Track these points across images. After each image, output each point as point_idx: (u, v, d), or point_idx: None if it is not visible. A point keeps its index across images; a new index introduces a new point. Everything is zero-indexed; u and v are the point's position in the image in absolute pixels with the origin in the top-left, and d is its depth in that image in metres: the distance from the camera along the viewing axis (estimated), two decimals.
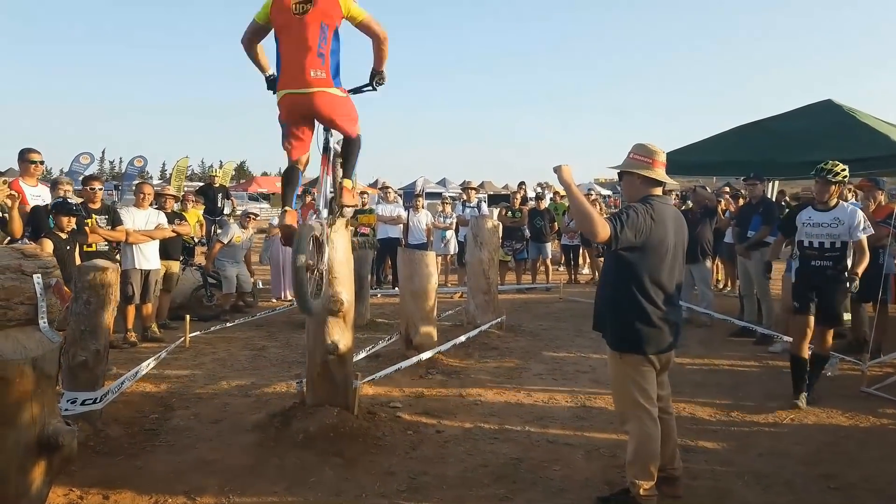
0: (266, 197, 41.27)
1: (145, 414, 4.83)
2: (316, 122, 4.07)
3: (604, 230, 3.15)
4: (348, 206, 4.47)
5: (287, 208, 4.00)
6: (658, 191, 3.50)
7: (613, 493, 3.55)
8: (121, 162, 78.27)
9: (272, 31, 3.94)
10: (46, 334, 2.45)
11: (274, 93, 4.01)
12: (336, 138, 4.35)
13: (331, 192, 4.35)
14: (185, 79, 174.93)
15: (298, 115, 3.96)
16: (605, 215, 3.89)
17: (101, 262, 4.43)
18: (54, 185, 6.73)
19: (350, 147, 4.27)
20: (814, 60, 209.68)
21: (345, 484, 3.71)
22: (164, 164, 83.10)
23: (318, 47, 3.76)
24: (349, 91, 4.12)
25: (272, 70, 4.09)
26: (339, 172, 4.38)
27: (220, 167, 31.90)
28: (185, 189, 18.41)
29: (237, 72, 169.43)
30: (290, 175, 4.14)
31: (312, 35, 3.76)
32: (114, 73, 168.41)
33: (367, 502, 3.52)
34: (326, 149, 4.29)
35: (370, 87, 4.21)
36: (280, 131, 4.06)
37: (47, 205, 6.07)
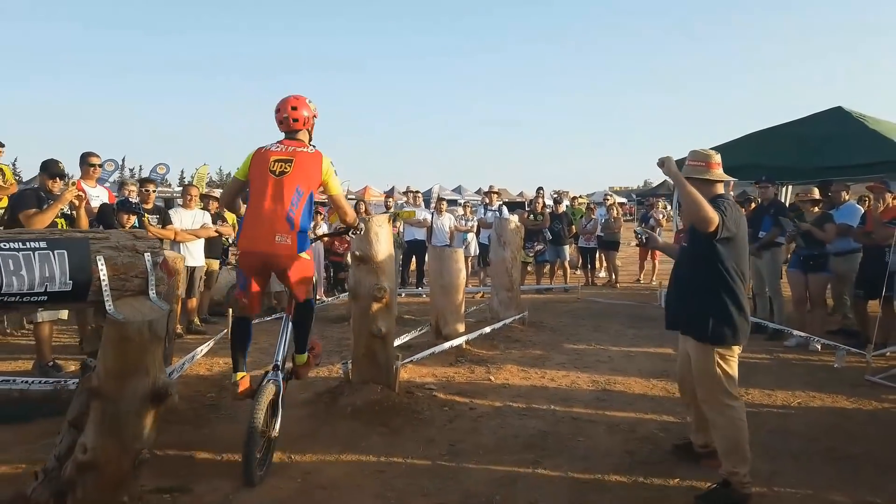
0: None
1: (203, 393, 5.30)
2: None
3: (714, 216, 3.34)
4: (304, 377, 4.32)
5: (239, 374, 3.92)
6: (721, 188, 3.73)
7: (712, 488, 3.55)
8: (140, 169, 79.43)
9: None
10: (156, 303, 2.91)
11: None
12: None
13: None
14: (199, 84, 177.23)
15: (257, 268, 3.85)
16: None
17: (170, 252, 4.91)
18: (121, 186, 7.24)
19: (303, 315, 4.05)
20: (825, 64, 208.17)
21: (392, 448, 4.15)
22: (182, 171, 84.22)
23: (290, 211, 3.65)
24: (327, 235, 4.45)
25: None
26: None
27: None
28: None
29: (251, 75, 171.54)
30: (239, 327, 3.98)
31: (287, 195, 3.65)
32: (126, 78, 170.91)
33: (413, 463, 3.96)
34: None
35: (346, 234, 4.31)
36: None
37: (113, 203, 6.60)
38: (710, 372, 3.61)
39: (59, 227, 5.79)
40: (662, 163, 3.56)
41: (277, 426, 3.86)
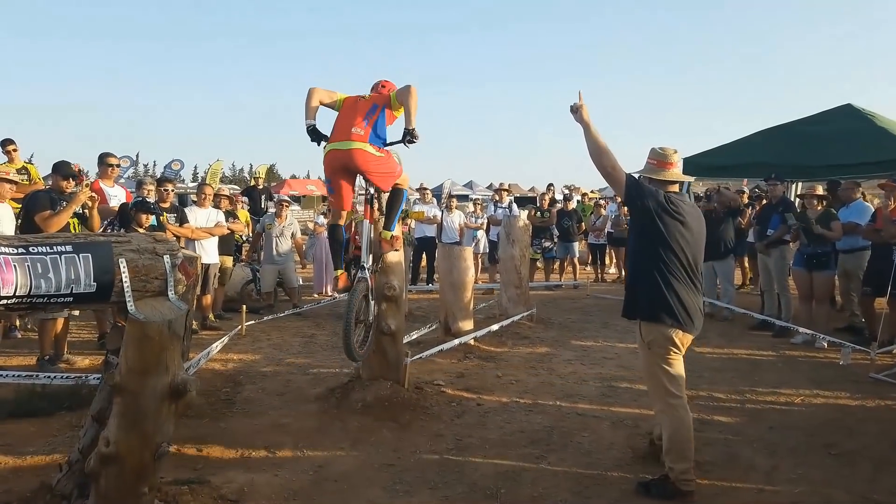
0: (297, 199, 42.19)
1: (218, 388, 5.46)
2: (356, 178, 4.76)
3: (620, 174, 3.55)
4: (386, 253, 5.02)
5: (338, 272, 4.80)
6: (675, 188, 3.85)
7: (654, 479, 3.73)
8: (154, 165, 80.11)
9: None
10: (175, 303, 3.04)
11: (318, 144, 4.68)
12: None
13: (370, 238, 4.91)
14: (213, 82, 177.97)
15: (338, 167, 4.57)
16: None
17: (187, 251, 5.05)
18: (139, 185, 7.39)
19: (392, 200, 4.93)
20: (834, 65, 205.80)
21: (401, 443, 4.29)
22: (195, 167, 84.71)
23: (365, 117, 4.53)
24: (387, 144, 4.67)
25: (315, 122, 4.68)
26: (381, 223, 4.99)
27: (251, 170, 32.91)
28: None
29: (263, 74, 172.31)
30: (334, 233, 4.91)
31: (363, 109, 4.57)
32: (140, 77, 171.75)
33: (422, 457, 4.09)
34: (369, 200, 4.97)
35: (402, 143, 4.68)
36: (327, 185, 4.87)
37: (135, 202, 6.76)
38: (652, 370, 3.71)
39: (72, 226, 5.96)
40: (577, 108, 3.63)
41: (371, 314, 4.75)
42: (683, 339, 3.68)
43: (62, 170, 6.12)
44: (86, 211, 6.20)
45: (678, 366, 3.69)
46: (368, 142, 4.50)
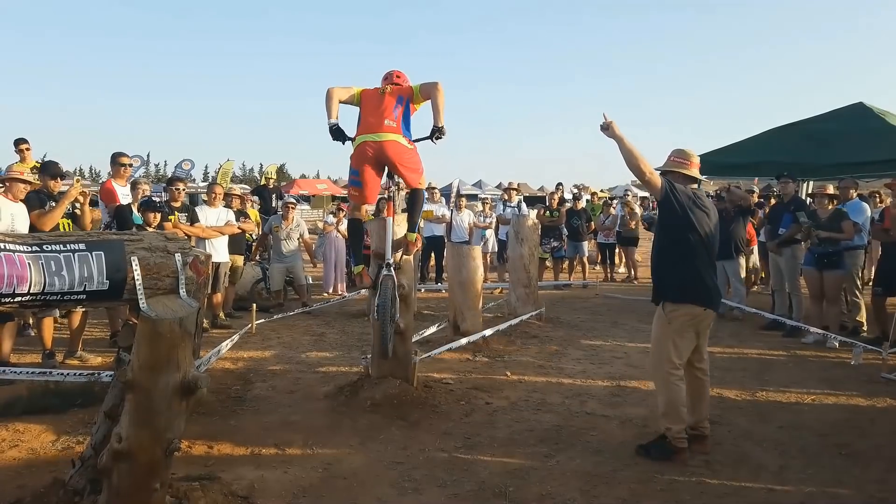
0: (307, 199, 42.30)
1: (229, 386, 5.49)
2: (383, 173, 4.82)
3: (656, 178, 3.97)
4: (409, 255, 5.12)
5: (359, 267, 5.00)
6: (694, 186, 4.23)
7: (652, 441, 4.15)
8: (165, 165, 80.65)
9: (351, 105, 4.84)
10: (186, 301, 3.07)
11: (342, 143, 4.76)
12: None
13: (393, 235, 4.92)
14: (222, 82, 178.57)
15: (369, 159, 4.62)
16: (643, 214, 4.31)
17: (198, 250, 5.09)
18: (134, 185, 7.45)
19: (413, 200, 4.99)
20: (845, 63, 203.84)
21: (410, 441, 4.30)
22: (206, 167, 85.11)
23: (394, 109, 4.64)
24: (414, 141, 4.76)
25: (338, 122, 4.72)
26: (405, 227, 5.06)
27: (262, 169, 33.05)
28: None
29: (272, 74, 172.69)
30: (354, 227, 5.02)
31: (390, 102, 4.66)
32: (150, 76, 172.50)
33: (431, 455, 4.10)
34: (390, 196, 5.04)
35: (429, 139, 4.77)
36: (350, 176, 4.87)
37: (129, 204, 6.81)
38: (664, 341, 4.09)
39: (62, 227, 6.02)
40: (607, 126, 3.99)
41: (398, 312, 4.81)
42: (705, 316, 4.11)
43: (50, 169, 6.21)
44: (76, 210, 6.26)
45: (689, 341, 4.09)
46: (402, 132, 4.62)
